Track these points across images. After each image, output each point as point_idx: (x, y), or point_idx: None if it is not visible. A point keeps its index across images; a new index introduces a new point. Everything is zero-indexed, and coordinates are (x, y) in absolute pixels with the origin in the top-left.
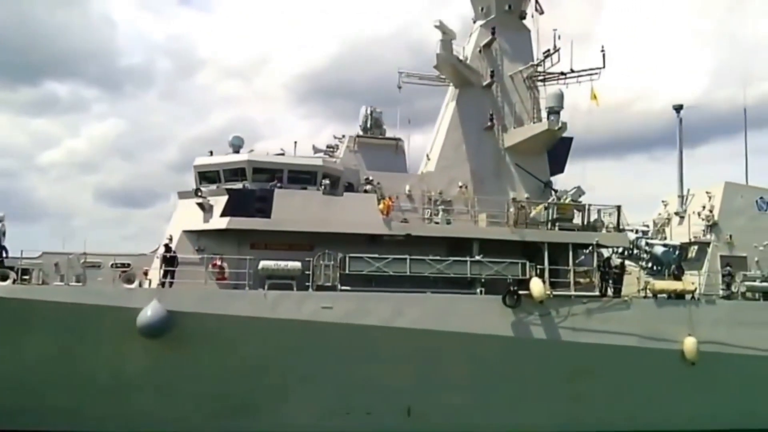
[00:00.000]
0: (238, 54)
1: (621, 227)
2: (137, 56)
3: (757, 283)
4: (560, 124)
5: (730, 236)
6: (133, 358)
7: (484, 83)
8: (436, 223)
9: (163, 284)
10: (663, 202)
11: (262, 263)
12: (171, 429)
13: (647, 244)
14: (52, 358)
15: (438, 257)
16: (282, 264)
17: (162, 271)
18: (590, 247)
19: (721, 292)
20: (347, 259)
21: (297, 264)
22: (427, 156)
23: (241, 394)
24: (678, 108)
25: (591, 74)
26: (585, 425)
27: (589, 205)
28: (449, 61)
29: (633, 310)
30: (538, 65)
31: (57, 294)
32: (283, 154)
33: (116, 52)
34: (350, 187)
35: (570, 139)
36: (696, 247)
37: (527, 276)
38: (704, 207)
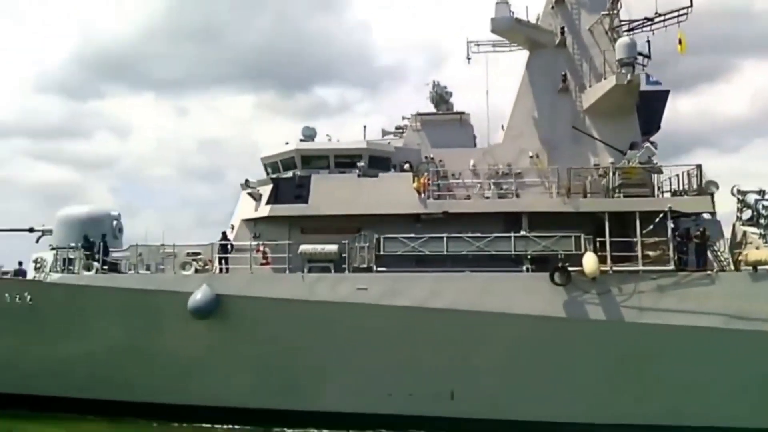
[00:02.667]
0: None
1: (704, 189)
2: (392, 55)
3: None
4: (630, 77)
5: None
6: (190, 337)
7: (557, 42)
8: (487, 198)
9: (220, 270)
10: None
11: (302, 247)
12: (224, 404)
13: None
14: (124, 336)
15: (487, 234)
16: (319, 247)
17: (218, 258)
18: (661, 215)
19: None
20: (382, 240)
21: (334, 247)
22: (503, 127)
23: (284, 374)
24: None
25: (678, 16)
26: (652, 418)
27: (661, 165)
28: (506, 25)
29: (719, 286)
30: (617, 13)
31: (128, 281)
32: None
33: (373, 53)
34: (410, 167)
35: (666, 92)
36: None
37: (581, 250)
38: None
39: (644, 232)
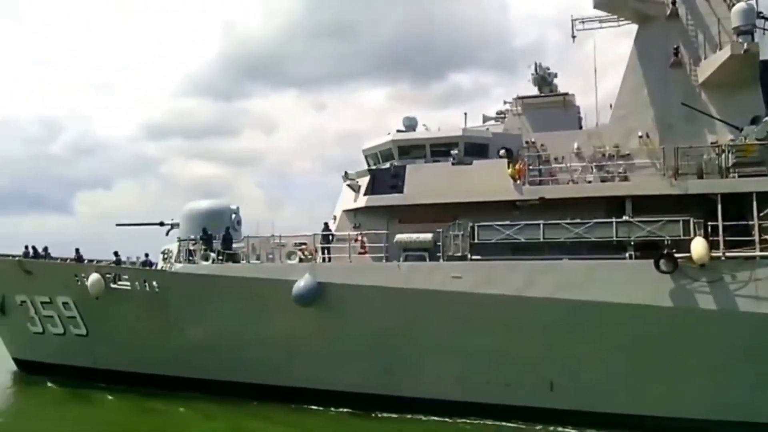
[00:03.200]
0: None
1: None
2: (529, 35)
3: None
4: (746, 47)
5: None
6: (294, 323)
7: (668, 13)
8: (589, 182)
9: (323, 259)
10: None
11: (397, 236)
12: (325, 387)
13: None
14: (237, 321)
15: (587, 221)
16: (414, 236)
17: (321, 248)
18: None
19: None
20: (476, 228)
21: (428, 236)
22: (611, 107)
23: (382, 360)
24: None
25: None
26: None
27: None
28: None
29: None
30: None
31: (240, 270)
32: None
33: (510, 34)
34: (509, 153)
35: None
36: None
37: (690, 235)
38: None
39: (761, 214)
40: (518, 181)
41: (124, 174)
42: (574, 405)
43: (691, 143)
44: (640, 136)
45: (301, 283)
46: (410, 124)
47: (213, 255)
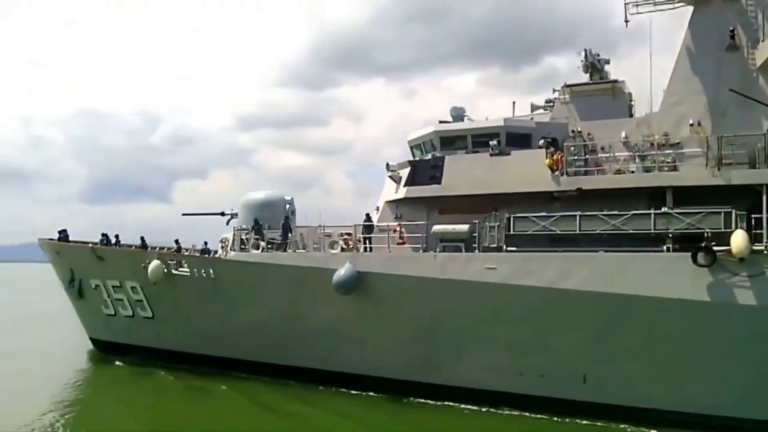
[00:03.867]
0: None
1: None
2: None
3: None
4: None
5: None
6: (336, 310)
7: None
8: (631, 172)
9: (364, 249)
10: None
11: (434, 227)
12: (366, 372)
13: None
14: (283, 307)
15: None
16: (450, 227)
17: (362, 238)
18: None
19: None
20: (512, 219)
21: (464, 227)
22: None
23: (419, 349)
24: None
25: None
26: None
27: None
28: None
29: None
30: None
31: (286, 259)
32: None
33: (611, 16)
34: (554, 143)
35: None
36: None
37: (731, 228)
38: None
39: None
40: (556, 172)
41: (219, 164)
42: (606, 398)
43: (745, 131)
44: (691, 125)
45: (342, 271)
46: (458, 115)
47: (263, 244)
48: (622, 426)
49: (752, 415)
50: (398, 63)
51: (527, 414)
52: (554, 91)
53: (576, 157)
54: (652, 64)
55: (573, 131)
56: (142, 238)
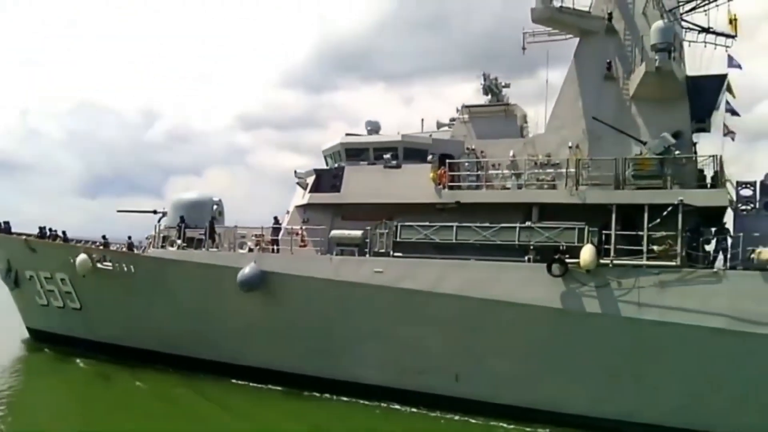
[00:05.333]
0: None
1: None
2: None
3: None
4: (658, 64)
5: None
6: (241, 307)
7: (606, 28)
8: (507, 188)
9: (271, 250)
10: None
11: (332, 232)
12: (274, 366)
13: None
14: (194, 302)
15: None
16: (346, 233)
17: (270, 239)
18: (670, 208)
19: None
20: (398, 227)
21: (358, 233)
22: None
23: (315, 345)
24: None
25: None
26: (645, 416)
27: (674, 156)
28: (545, 13)
29: (726, 285)
30: None
31: (198, 257)
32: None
33: None
34: (442, 159)
35: (721, 77)
36: None
37: (584, 242)
38: None
39: (650, 225)
40: (439, 185)
41: (216, 162)
42: (477, 395)
43: (619, 154)
44: (570, 147)
45: (246, 270)
46: (373, 128)
47: (178, 242)
48: (491, 423)
49: (600, 414)
50: (398, 70)
51: (406, 408)
52: (457, 110)
53: (468, 173)
54: (548, 89)
55: (468, 148)
56: (64, 233)
